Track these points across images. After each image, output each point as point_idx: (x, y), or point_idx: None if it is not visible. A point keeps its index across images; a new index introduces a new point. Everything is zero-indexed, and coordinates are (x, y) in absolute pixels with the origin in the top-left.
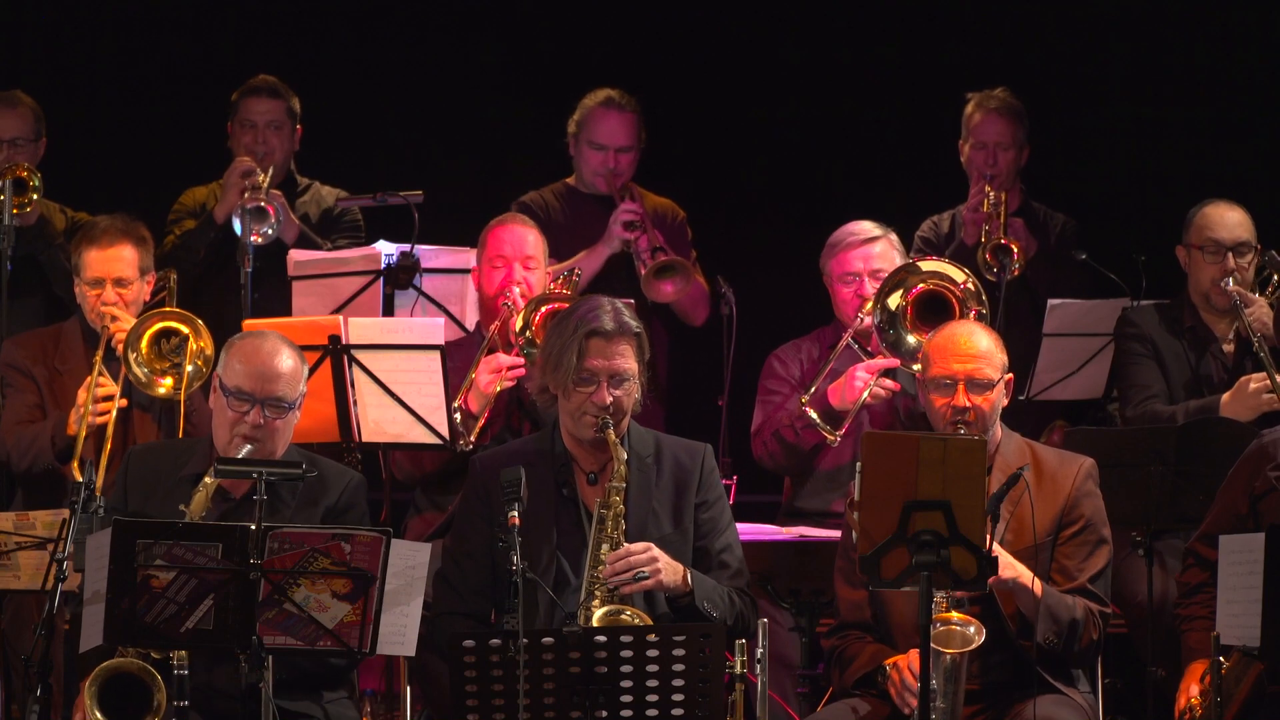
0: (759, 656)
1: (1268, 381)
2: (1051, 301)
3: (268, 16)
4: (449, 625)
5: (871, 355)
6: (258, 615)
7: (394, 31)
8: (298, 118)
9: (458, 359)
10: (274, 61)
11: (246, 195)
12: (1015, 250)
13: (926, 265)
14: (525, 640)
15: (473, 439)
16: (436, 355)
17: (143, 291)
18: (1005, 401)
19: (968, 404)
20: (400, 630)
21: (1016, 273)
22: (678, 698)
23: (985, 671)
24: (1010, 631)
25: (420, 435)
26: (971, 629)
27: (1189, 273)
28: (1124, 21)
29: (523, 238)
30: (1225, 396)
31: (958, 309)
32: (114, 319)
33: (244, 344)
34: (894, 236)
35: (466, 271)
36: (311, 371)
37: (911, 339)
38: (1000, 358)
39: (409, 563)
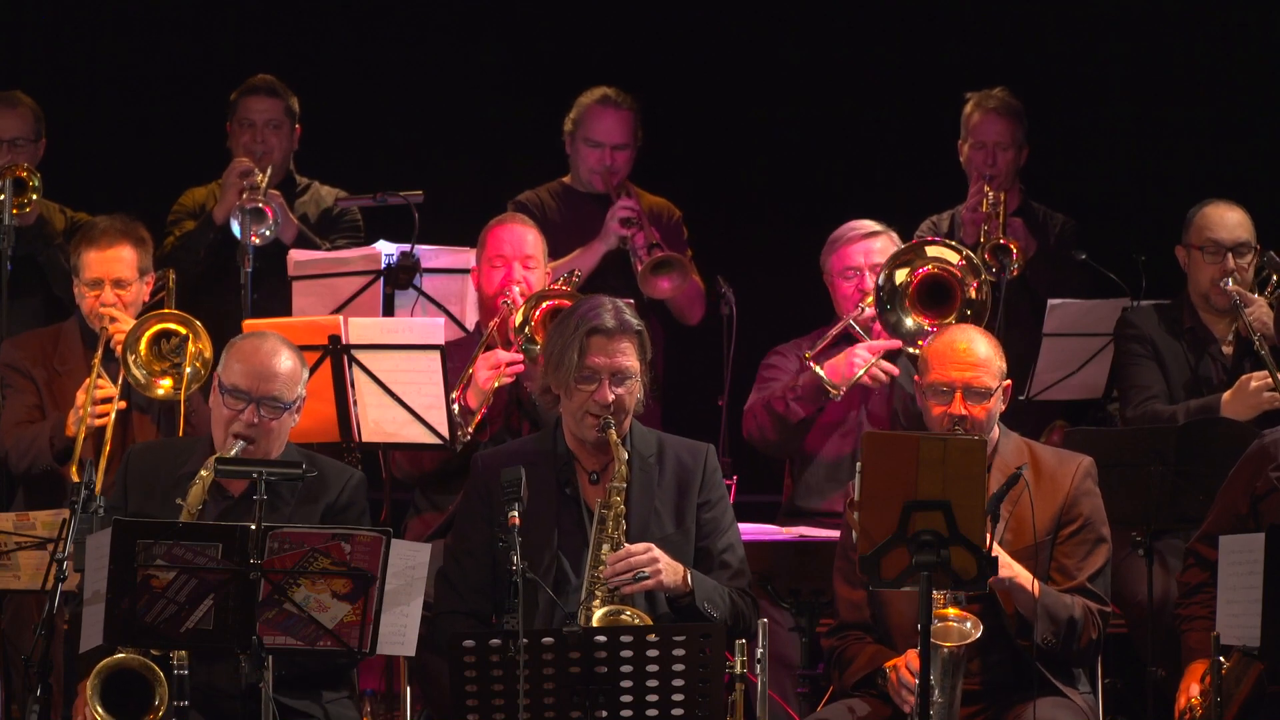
0: (759, 656)
1: (1268, 380)
2: (1051, 301)
3: (268, 16)
4: (450, 624)
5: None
6: (258, 615)
7: (394, 31)
8: (296, 117)
9: (458, 359)
10: (274, 61)
11: (245, 195)
12: (1014, 250)
13: (932, 250)
14: (525, 640)
15: (470, 430)
16: (436, 355)
17: (141, 292)
18: (1003, 407)
19: (964, 413)
20: (400, 630)
21: (1016, 273)
22: (678, 698)
23: (985, 671)
24: (1010, 630)
25: (420, 435)
26: (968, 624)
27: (1189, 273)
28: (1124, 21)
29: (522, 237)
30: (1226, 395)
31: (958, 290)
32: (113, 320)
33: (244, 344)
34: (894, 234)
35: (466, 271)
36: (311, 371)
37: (910, 322)
38: (999, 364)
39: (409, 563)
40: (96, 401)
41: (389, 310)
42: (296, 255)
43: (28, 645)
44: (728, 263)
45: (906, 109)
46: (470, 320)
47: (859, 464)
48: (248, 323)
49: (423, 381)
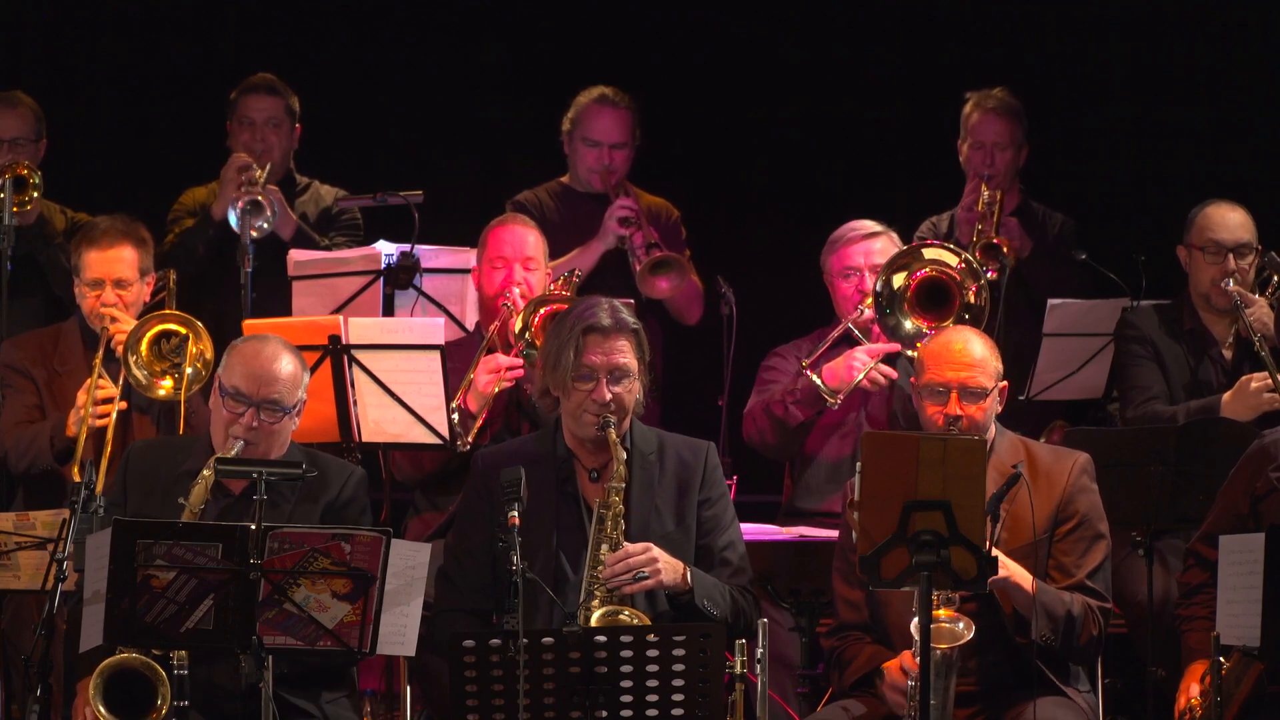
0: (759, 656)
1: (1268, 381)
2: (1051, 301)
3: (268, 16)
4: (450, 622)
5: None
6: (258, 615)
7: (394, 31)
8: (296, 116)
9: (458, 359)
10: (274, 61)
11: (242, 189)
12: (1004, 248)
13: (929, 253)
14: (525, 640)
15: (470, 439)
16: (436, 355)
17: (142, 293)
18: (999, 408)
19: (959, 413)
20: (400, 630)
21: (1010, 271)
22: (678, 698)
23: (983, 671)
24: (1009, 629)
25: (420, 435)
26: (960, 625)
27: (1189, 273)
28: (1124, 21)
29: (523, 238)
30: (1226, 396)
31: (957, 294)
32: (113, 320)
33: (245, 346)
34: (894, 234)
35: (466, 271)
36: (311, 372)
37: (909, 324)
38: (994, 365)
39: (409, 563)
40: (97, 402)
41: (389, 310)
42: (296, 255)
43: (28, 645)
44: (728, 263)
45: (906, 109)
46: (470, 320)
47: (859, 464)
48: (248, 323)
49: (423, 382)
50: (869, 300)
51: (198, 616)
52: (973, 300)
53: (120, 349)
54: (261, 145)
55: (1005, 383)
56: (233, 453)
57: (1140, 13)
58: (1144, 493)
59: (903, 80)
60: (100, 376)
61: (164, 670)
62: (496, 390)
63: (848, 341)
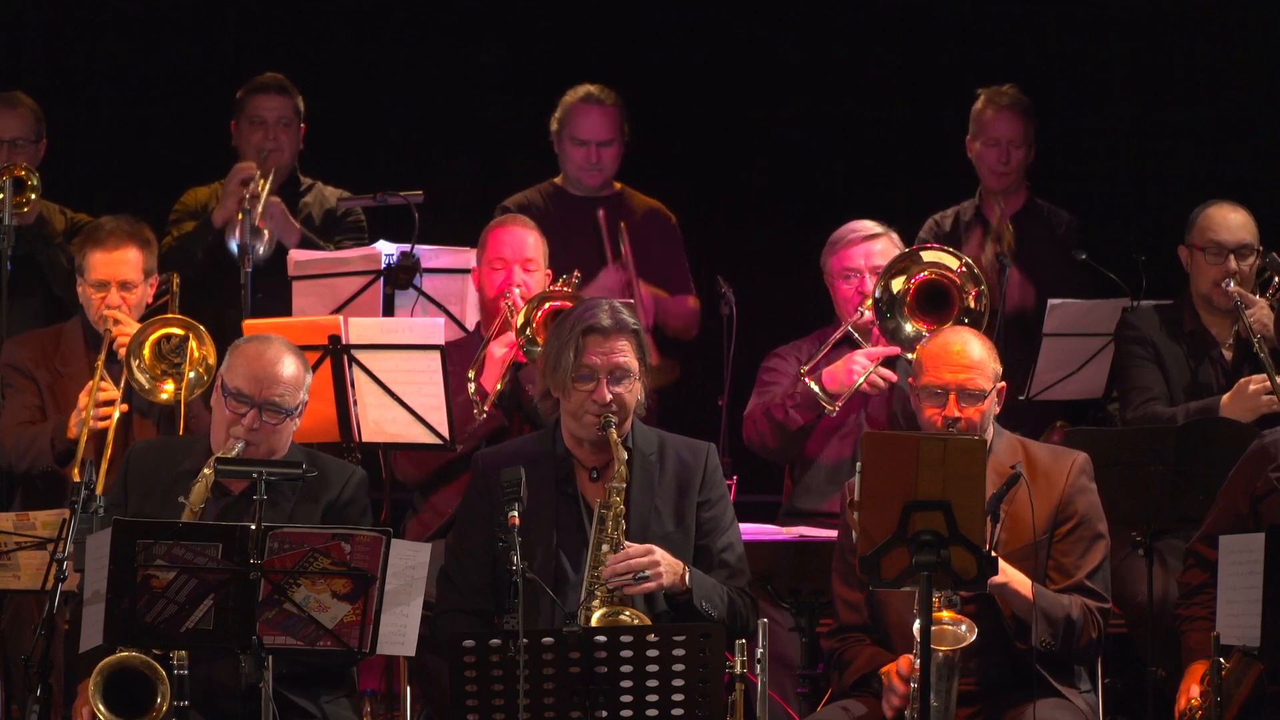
0: (759, 656)
1: (1267, 383)
2: (1051, 301)
3: (268, 16)
4: (451, 622)
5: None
6: (258, 615)
7: (394, 31)
8: (302, 115)
9: (458, 359)
10: (274, 61)
11: (244, 202)
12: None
13: (928, 255)
14: (525, 640)
15: (487, 408)
16: (436, 355)
17: (146, 294)
18: (997, 409)
19: (958, 415)
20: (400, 630)
21: (1007, 270)
22: (678, 698)
23: (983, 672)
24: (1009, 633)
25: (420, 435)
26: (963, 627)
27: (1190, 273)
28: (1124, 21)
29: (522, 240)
30: (1225, 398)
31: (957, 296)
32: (116, 323)
33: (248, 347)
34: (895, 235)
35: (466, 271)
36: (311, 372)
37: (909, 327)
38: (993, 366)
39: (409, 563)
40: (98, 404)
41: (389, 310)
42: (296, 255)
43: (28, 645)
44: (728, 263)
45: (906, 109)
46: (470, 320)
47: (859, 464)
48: (248, 323)
49: (423, 381)
50: (868, 302)
51: (198, 616)
52: (972, 305)
53: (123, 352)
54: (273, 145)
55: (1004, 383)
56: (233, 453)
57: (1140, 13)
58: (1144, 493)
59: (903, 80)
60: (102, 379)
61: (164, 669)
62: (512, 361)
63: (848, 343)
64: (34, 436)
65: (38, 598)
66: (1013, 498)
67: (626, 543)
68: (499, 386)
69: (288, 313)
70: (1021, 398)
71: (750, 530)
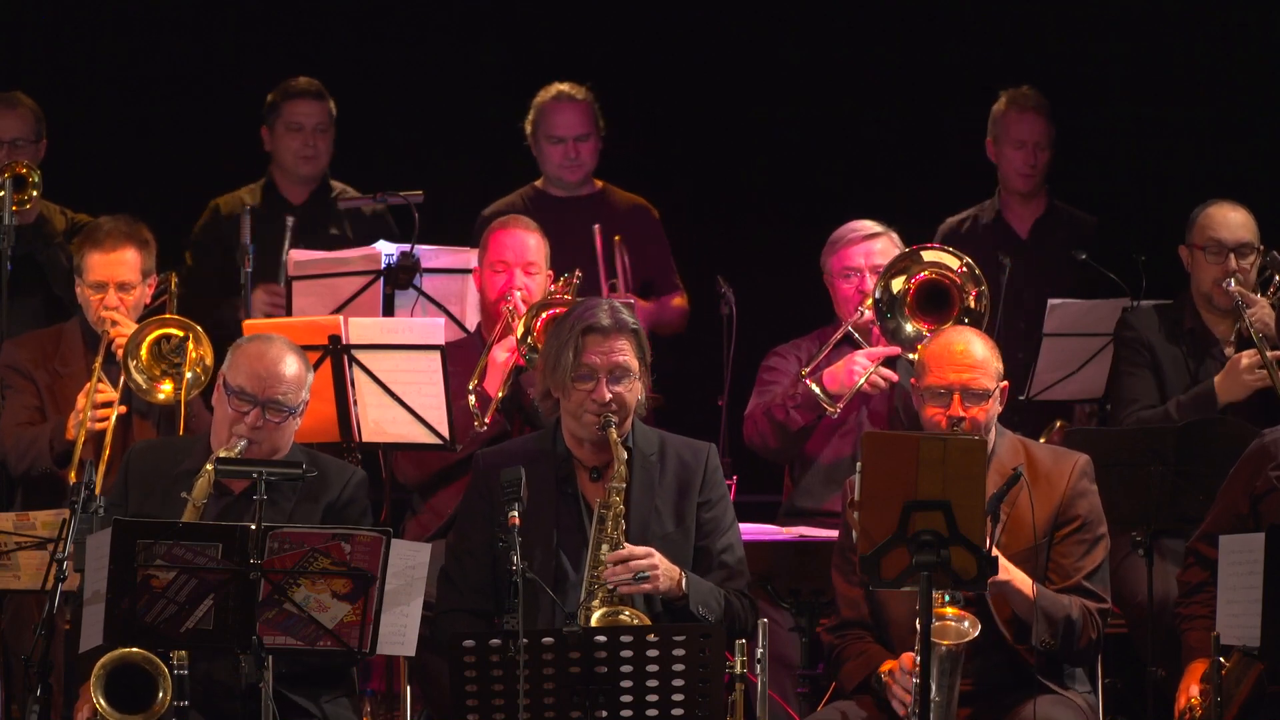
0: (759, 656)
1: (1258, 358)
2: (1051, 301)
3: (268, 17)
4: (452, 622)
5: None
6: (258, 615)
7: (394, 31)
8: (334, 120)
9: (458, 359)
10: (274, 61)
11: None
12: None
13: (929, 255)
14: (525, 640)
15: (487, 419)
16: (436, 355)
17: (144, 295)
18: (1000, 409)
19: (961, 415)
20: (400, 630)
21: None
22: (678, 698)
23: (981, 673)
24: (1006, 637)
25: (420, 435)
26: (966, 623)
27: (1191, 272)
28: (1124, 21)
29: (524, 242)
30: (1218, 378)
31: (957, 296)
32: (114, 324)
33: (251, 346)
34: (895, 234)
35: (467, 271)
36: (313, 370)
37: (910, 327)
38: (996, 366)
39: (409, 563)
40: (96, 405)
41: (389, 310)
42: (296, 255)
43: (28, 645)
44: (728, 263)
45: (906, 109)
46: (471, 320)
47: (859, 464)
48: (248, 323)
49: (423, 382)
50: (868, 302)
51: (198, 616)
52: (973, 305)
53: (121, 353)
54: (310, 150)
55: (1006, 382)
56: (235, 451)
57: (1140, 13)
58: (1144, 493)
59: (903, 80)
60: (100, 380)
61: (165, 665)
62: (514, 366)
63: (848, 343)
64: (33, 437)
65: (38, 598)
66: (1014, 500)
67: (626, 543)
68: (501, 394)
69: (288, 313)
70: (1021, 398)
71: (750, 530)
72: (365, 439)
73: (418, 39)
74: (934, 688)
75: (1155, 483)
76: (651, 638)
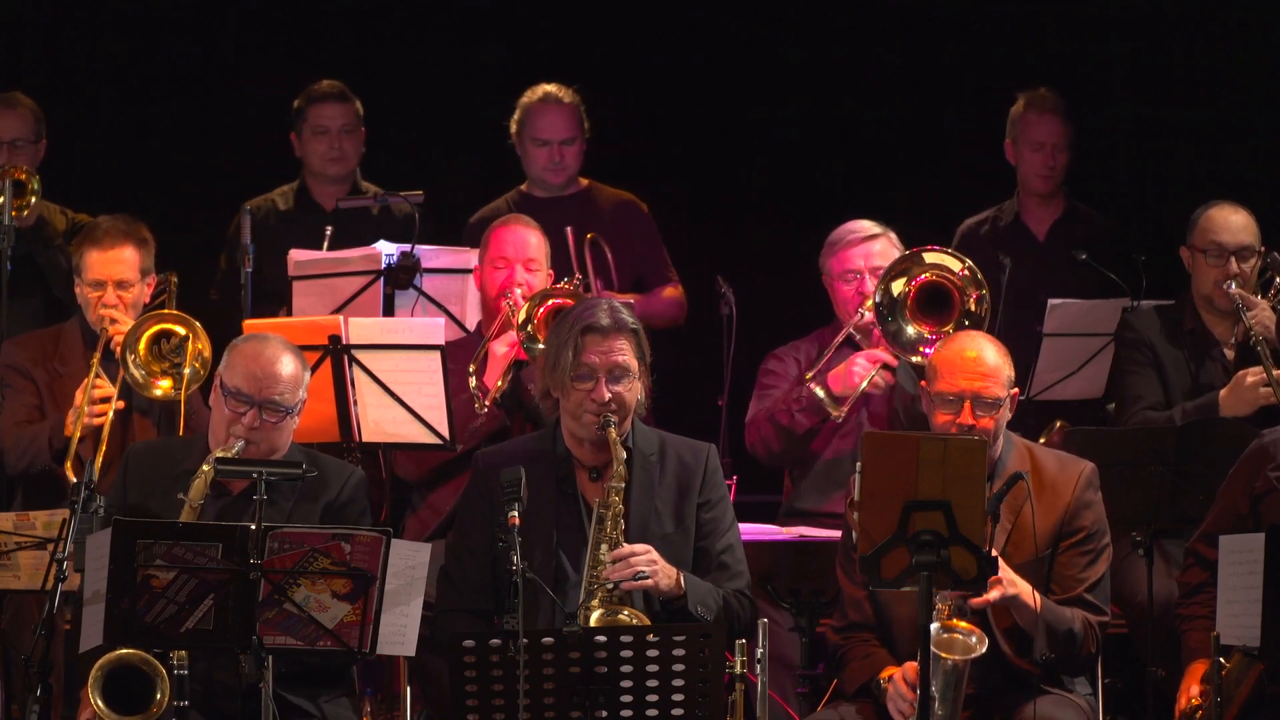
0: (759, 656)
1: (1264, 375)
2: (1051, 301)
3: (268, 17)
4: (452, 621)
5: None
6: (258, 615)
7: (394, 31)
8: (362, 120)
9: (458, 359)
10: (274, 61)
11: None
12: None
13: (930, 257)
14: (525, 640)
15: (489, 401)
16: (437, 355)
17: (143, 294)
18: (1009, 416)
19: (972, 423)
20: (400, 630)
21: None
22: (678, 698)
23: (983, 674)
24: (1006, 650)
25: (420, 435)
26: (974, 638)
27: (1192, 274)
28: (1124, 21)
29: (525, 239)
30: (1223, 392)
31: (958, 298)
32: (113, 321)
33: (247, 345)
34: (894, 235)
35: (467, 271)
36: (311, 372)
37: (911, 330)
38: (1007, 373)
39: (409, 563)
40: (94, 401)
41: (389, 310)
42: (297, 255)
43: (28, 645)
44: (728, 263)
45: (906, 109)
46: (471, 320)
47: (859, 464)
48: (248, 323)
49: (423, 381)
50: (869, 303)
51: (198, 616)
52: (973, 308)
53: (119, 349)
54: (337, 153)
55: (1017, 389)
56: (233, 452)
57: (1140, 13)
58: (1144, 493)
59: (903, 80)
60: (98, 376)
61: (163, 666)
62: (513, 357)
63: (848, 345)
64: (33, 436)
65: (38, 598)
66: (1018, 509)
67: (625, 543)
68: (500, 385)
69: (288, 313)
70: (1022, 398)
71: (750, 530)
72: (365, 439)
73: (418, 39)
74: (938, 700)
75: (1155, 483)
76: (651, 638)
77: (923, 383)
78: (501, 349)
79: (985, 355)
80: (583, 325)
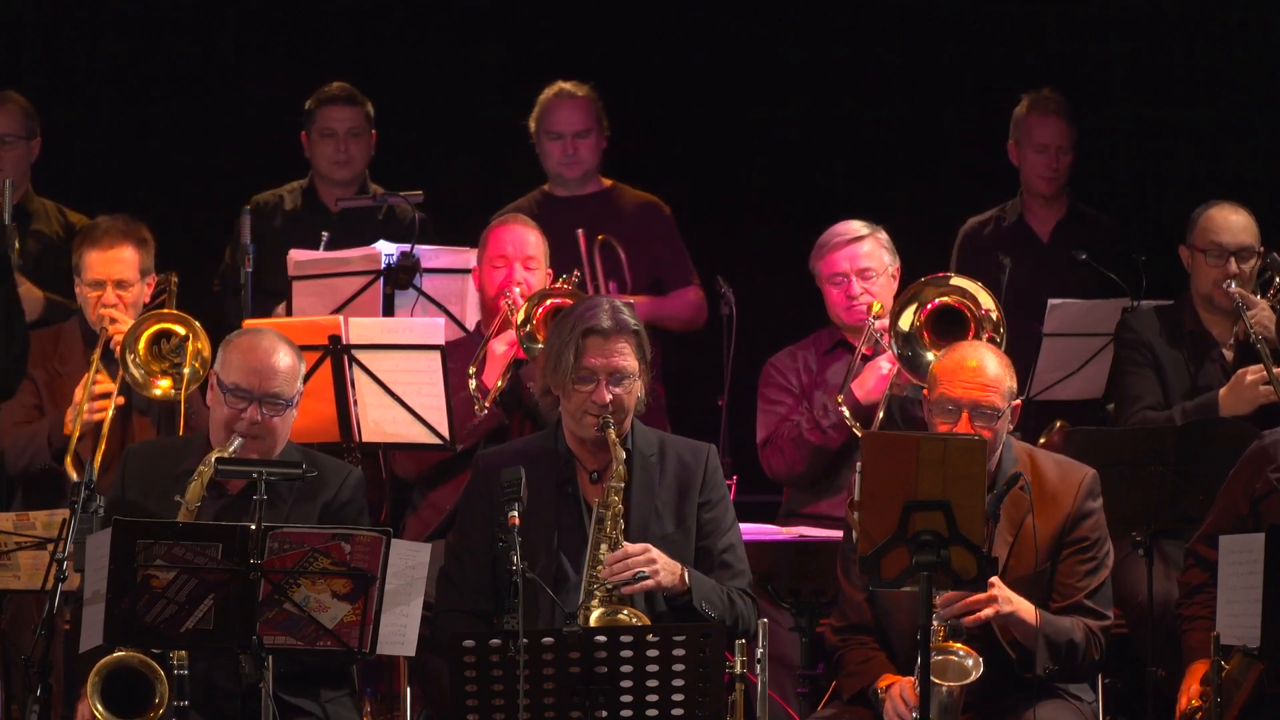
0: (759, 656)
1: (1264, 373)
2: (1051, 301)
3: (268, 17)
4: (451, 622)
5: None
6: (258, 615)
7: (394, 31)
8: (372, 122)
9: (458, 359)
10: (274, 61)
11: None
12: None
13: (955, 281)
14: (525, 640)
15: (489, 403)
16: (436, 355)
17: (143, 293)
18: (1011, 427)
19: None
20: (400, 630)
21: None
22: (678, 698)
23: (984, 677)
24: (1013, 661)
25: (420, 435)
26: (970, 661)
27: (1191, 273)
28: (1124, 21)
29: (523, 238)
30: (1223, 391)
31: (973, 328)
32: (113, 321)
33: (241, 340)
34: (882, 234)
35: (467, 271)
36: (311, 371)
37: (930, 355)
38: (1009, 384)
39: (409, 563)
40: (94, 397)
41: (389, 310)
42: (296, 255)
43: (28, 645)
44: (728, 263)
45: (906, 109)
46: (470, 320)
47: (859, 464)
48: (248, 323)
49: (423, 381)
50: (876, 307)
51: (198, 616)
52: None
53: (119, 348)
54: (344, 156)
55: (1019, 400)
56: (230, 450)
57: (1140, 13)
58: (1144, 493)
59: (903, 80)
60: (98, 372)
61: (162, 668)
62: (513, 359)
63: (847, 350)
64: (32, 434)
65: (38, 598)
66: (1019, 520)
67: (625, 543)
68: (499, 384)
69: (287, 312)
70: (1022, 398)
71: (750, 530)
72: (365, 439)
73: (418, 39)
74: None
75: (1155, 483)
76: (651, 638)
77: (925, 390)
78: (501, 348)
79: (986, 365)
80: (584, 327)
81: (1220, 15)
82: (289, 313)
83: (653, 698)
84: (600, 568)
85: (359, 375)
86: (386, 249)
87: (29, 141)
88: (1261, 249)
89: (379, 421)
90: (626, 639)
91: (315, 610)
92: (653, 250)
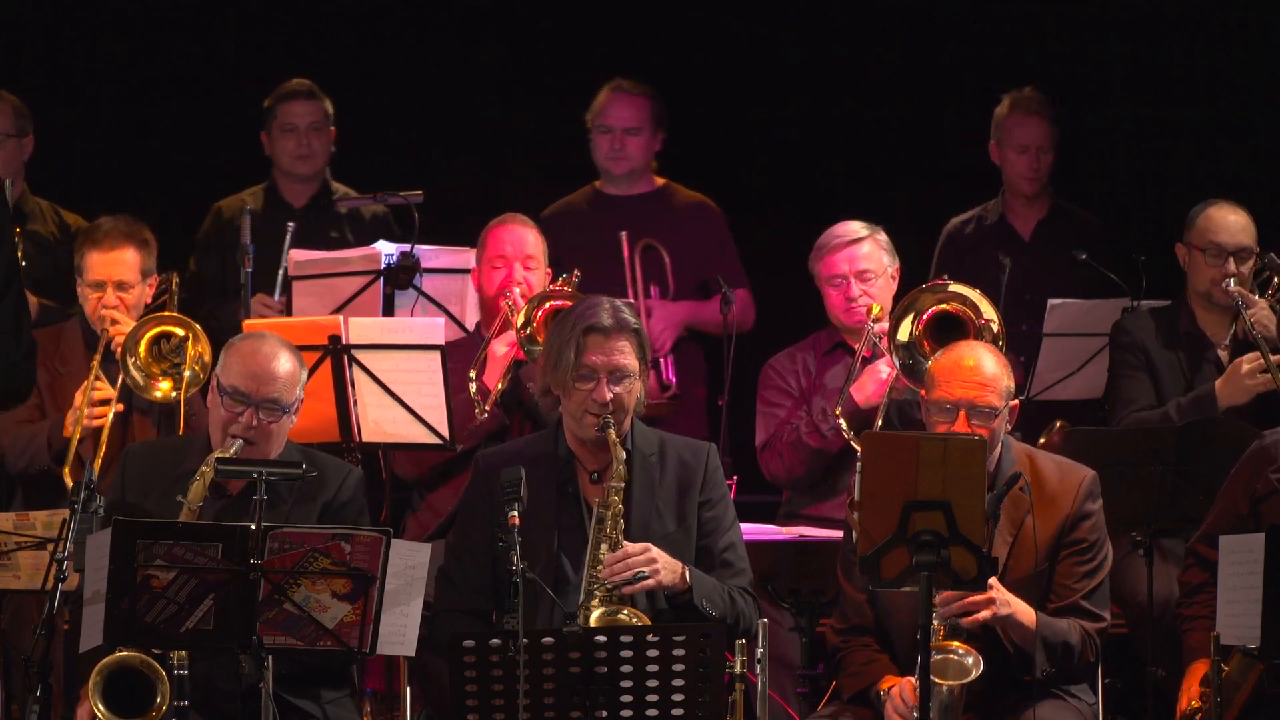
0: (759, 656)
1: (1260, 361)
2: (1051, 301)
3: (268, 17)
4: (450, 622)
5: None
6: (258, 615)
7: (394, 31)
8: (332, 120)
9: (458, 359)
10: (274, 62)
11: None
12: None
13: (954, 288)
14: (525, 640)
15: (488, 407)
16: (436, 355)
17: (144, 294)
18: (1009, 427)
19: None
20: (400, 630)
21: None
22: (678, 698)
23: (984, 676)
24: (1013, 661)
25: (420, 435)
26: (970, 660)
27: (1188, 271)
28: (1124, 21)
29: (522, 238)
30: (1219, 382)
31: (972, 333)
32: (114, 322)
33: (243, 344)
34: (882, 236)
35: (466, 271)
36: (311, 372)
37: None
38: (1006, 384)
39: (409, 563)
40: (94, 403)
41: (389, 310)
42: (297, 255)
43: (28, 645)
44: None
45: (906, 109)
46: (470, 320)
47: (859, 464)
48: (248, 323)
49: (423, 381)
50: (876, 310)
51: (198, 616)
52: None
53: (119, 350)
54: (306, 150)
55: (1017, 401)
56: (230, 452)
57: (1140, 13)
58: (1144, 493)
59: (903, 80)
60: (97, 378)
61: (163, 669)
62: (513, 360)
63: (846, 352)
64: (32, 435)
65: (38, 598)
66: (1019, 521)
67: (625, 542)
68: (500, 386)
69: (287, 313)
70: (1022, 398)
71: (750, 530)
72: (365, 439)
73: (418, 39)
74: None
75: (1155, 483)
76: (651, 638)
77: (922, 391)
78: (501, 349)
79: (983, 364)
80: (585, 325)
81: (1220, 15)
82: (247, 314)
83: (653, 698)
84: (600, 568)
85: (359, 375)
86: (386, 249)
87: (20, 140)
88: (1259, 249)
89: (379, 421)
90: (626, 639)
91: (315, 610)
92: (703, 251)
